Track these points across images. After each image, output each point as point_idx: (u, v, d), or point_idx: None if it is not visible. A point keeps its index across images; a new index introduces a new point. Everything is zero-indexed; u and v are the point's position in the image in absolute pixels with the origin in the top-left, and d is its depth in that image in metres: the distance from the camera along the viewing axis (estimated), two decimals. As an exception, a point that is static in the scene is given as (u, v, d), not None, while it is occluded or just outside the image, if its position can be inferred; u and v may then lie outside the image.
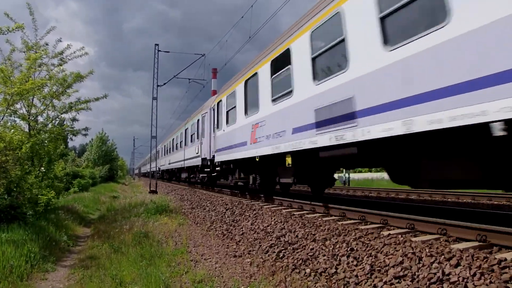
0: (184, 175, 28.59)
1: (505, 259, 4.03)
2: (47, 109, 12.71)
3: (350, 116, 6.59)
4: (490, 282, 3.70)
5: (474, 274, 3.90)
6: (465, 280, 3.87)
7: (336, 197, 12.99)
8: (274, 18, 18.35)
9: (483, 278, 3.81)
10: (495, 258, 4.09)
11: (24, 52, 12.15)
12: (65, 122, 13.33)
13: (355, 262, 5.29)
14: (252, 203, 11.85)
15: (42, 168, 12.25)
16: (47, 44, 12.58)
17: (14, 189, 10.12)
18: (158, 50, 28.24)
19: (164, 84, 29.77)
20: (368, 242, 5.72)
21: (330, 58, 7.66)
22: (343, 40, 6.93)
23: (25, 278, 6.70)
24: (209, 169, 18.48)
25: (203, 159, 19.14)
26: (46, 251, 8.24)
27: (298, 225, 7.76)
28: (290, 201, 10.87)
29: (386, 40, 5.88)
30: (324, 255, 5.90)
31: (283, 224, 8.17)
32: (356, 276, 4.92)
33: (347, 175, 29.33)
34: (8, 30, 11.67)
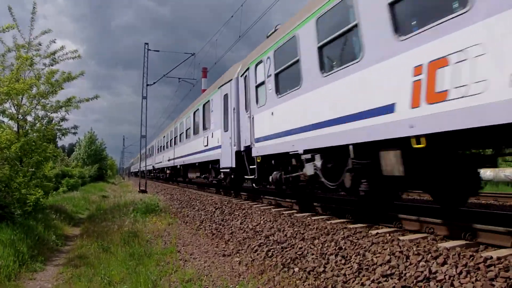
0: None
1: (491, 257, 4.09)
2: (35, 108, 12.54)
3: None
4: (476, 280, 3.75)
5: (461, 272, 3.95)
6: (451, 278, 3.92)
7: (325, 197, 13.02)
8: (265, 16, 18.36)
9: (469, 276, 3.86)
10: (481, 256, 4.15)
11: (14, 50, 11.99)
12: (53, 121, 13.15)
13: (343, 261, 5.32)
14: (242, 202, 11.86)
15: (31, 168, 12.09)
16: (40, 44, 12.44)
17: (3, 188, 10.00)
18: (148, 49, 28.13)
19: (154, 83, 29.61)
20: (356, 241, 5.77)
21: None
22: None
23: (13, 278, 6.63)
24: None
25: None
26: (35, 250, 8.16)
27: (287, 224, 7.79)
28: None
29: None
30: (312, 254, 5.93)
31: (272, 223, 8.19)
32: (344, 274, 4.96)
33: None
34: None
